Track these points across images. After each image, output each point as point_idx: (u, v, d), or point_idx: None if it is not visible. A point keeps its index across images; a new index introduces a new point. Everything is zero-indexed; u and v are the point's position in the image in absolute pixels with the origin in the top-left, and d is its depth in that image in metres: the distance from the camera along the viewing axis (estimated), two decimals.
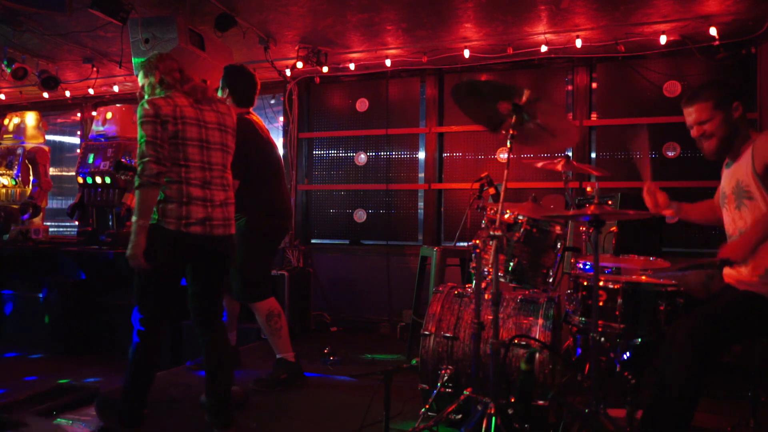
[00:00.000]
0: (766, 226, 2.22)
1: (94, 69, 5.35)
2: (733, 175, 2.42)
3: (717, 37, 4.22)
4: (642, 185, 2.73)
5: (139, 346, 2.62)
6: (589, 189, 3.02)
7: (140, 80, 2.75)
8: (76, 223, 5.29)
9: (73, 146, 6.99)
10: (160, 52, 2.83)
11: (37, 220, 5.87)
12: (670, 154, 4.74)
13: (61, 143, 7.04)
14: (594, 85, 4.99)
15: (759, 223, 2.25)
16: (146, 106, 2.54)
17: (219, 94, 3.44)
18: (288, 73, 5.32)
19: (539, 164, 3.17)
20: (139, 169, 2.52)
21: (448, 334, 2.76)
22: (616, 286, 2.41)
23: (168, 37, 3.90)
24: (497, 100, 2.50)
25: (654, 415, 2.17)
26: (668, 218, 2.79)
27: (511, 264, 2.79)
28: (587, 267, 2.80)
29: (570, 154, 4.94)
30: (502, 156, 5.19)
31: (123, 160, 3.26)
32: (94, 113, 6.14)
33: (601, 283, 2.42)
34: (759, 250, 2.25)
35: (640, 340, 2.45)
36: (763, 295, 2.25)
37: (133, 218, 2.55)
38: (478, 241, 2.63)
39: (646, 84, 4.82)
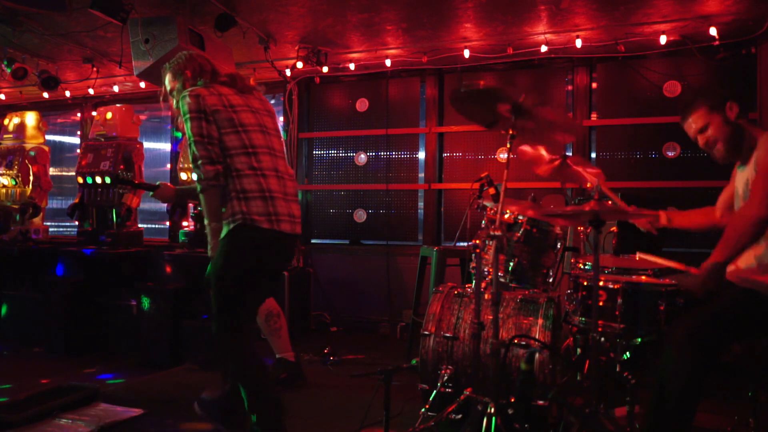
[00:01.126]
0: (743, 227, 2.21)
1: (94, 69, 5.35)
2: (744, 177, 2.40)
3: (717, 37, 4.22)
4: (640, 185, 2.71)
5: (240, 357, 2.37)
6: (588, 185, 2.99)
7: (167, 83, 2.59)
8: (76, 223, 5.29)
9: (73, 146, 6.99)
10: (189, 52, 2.67)
11: (37, 220, 5.87)
12: (670, 154, 4.74)
13: (61, 143, 7.04)
14: (594, 85, 4.99)
15: (737, 225, 2.23)
16: (187, 99, 2.33)
17: None
18: (288, 73, 5.32)
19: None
20: (196, 173, 2.32)
21: (448, 334, 2.76)
22: (616, 286, 2.41)
23: (168, 37, 3.90)
24: (497, 102, 2.50)
25: (655, 416, 2.16)
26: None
27: (511, 264, 2.79)
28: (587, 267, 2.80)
29: (570, 153, 4.93)
30: (502, 156, 5.18)
31: (120, 174, 3.16)
32: (94, 113, 6.14)
33: (601, 283, 2.42)
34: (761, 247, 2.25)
35: (639, 340, 2.45)
36: (762, 293, 2.24)
37: (205, 221, 2.39)
38: (478, 241, 2.62)
39: (646, 84, 4.82)
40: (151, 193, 2.95)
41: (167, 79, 2.59)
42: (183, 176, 4.86)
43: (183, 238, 4.77)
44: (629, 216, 2.75)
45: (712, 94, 2.40)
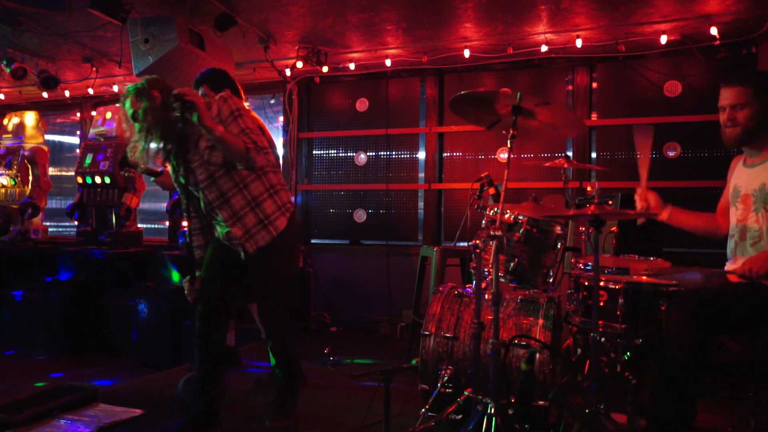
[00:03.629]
0: None
1: (94, 69, 5.35)
2: (758, 177, 2.37)
3: (717, 36, 4.22)
4: (636, 185, 2.70)
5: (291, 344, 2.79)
6: (589, 189, 3.00)
7: (128, 106, 2.50)
8: (76, 223, 5.29)
9: (72, 146, 6.99)
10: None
11: (36, 220, 5.87)
12: (671, 154, 4.74)
13: (60, 143, 7.04)
14: (594, 85, 4.98)
15: None
16: (232, 100, 2.53)
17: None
18: (288, 72, 5.31)
19: (546, 164, 3.16)
20: (249, 153, 2.47)
21: (448, 335, 2.76)
22: (617, 286, 2.40)
23: (167, 36, 3.90)
24: (496, 104, 2.50)
25: (657, 399, 2.13)
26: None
27: (512, 264, 2.78)
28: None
29: (570, 153, 4.94)
30: (502, 156, 5.18)
31: (130, 157, 3.24)
32: (93, 113, 6.13)
33: (601, 283, 2.41)
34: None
35: (640, 340, 2.45)
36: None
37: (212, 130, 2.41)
38: (478, 241, 2.62)
39: (647, 84, 4.81)
40: (152, 178, 3.00)
41: (128, 103, 2.51)
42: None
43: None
44: (631, 216, 2.75)
45: (765, 81, 2.34)
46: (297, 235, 2.82)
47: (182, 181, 2.64)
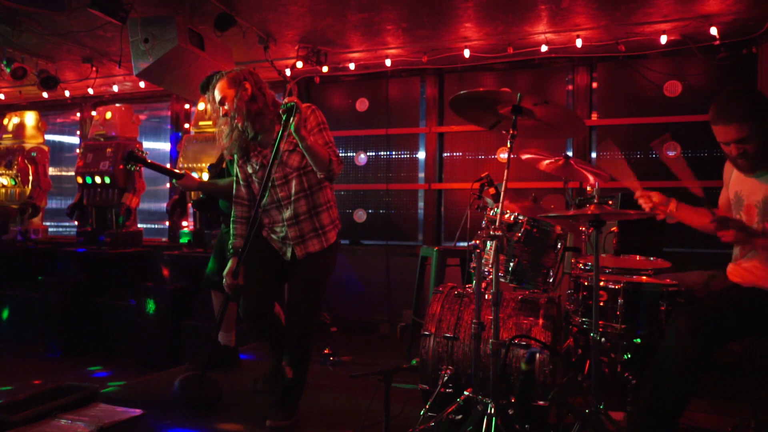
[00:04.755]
0: None
1: (94, 69, 5.34)
2: (760, 189, 2.36)
3: (718, 36, 4.22)
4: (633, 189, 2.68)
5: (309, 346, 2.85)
6: (589, 189, 3.00)
7: (217, 93, 2.72)
8: (76, 223, 5.29)
9: (72, 146, 6.99)
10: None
11: (36, 220, 5.87)
12: (671, 154, 4.73)
13: (60, 143, 7.04)
14: (594, 84, 4.98)
15: None
16: (319, 112, 2.73)
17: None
18: (288, 72, 5.31)
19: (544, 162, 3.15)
20: (333, 164, 2.66)
21: (448, 335, 2.75)
22: (617, 287, 2.40)
23: (167, 36, 3.90)
24: (497, 104, 2.50)
25: (651, 401, 2.14)
26: (667, 219, 2.76)
27: (512, 264, 2.78)
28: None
29: (570, 153, 4.92)
30: (502, 156, 5.18)
31: (137, 152, 3.27)
32: (93, 113, 6.14)
33: (601, 283, 2.41)
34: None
35: (640, 340, 2.45)
36: None
37: (305, 139, 2.54)
38: (478, 241, 2.61)
39: (647, 84, 4.81)
40: (174, 180, 3.09)
41: (220, 87, 2.72)
42: None
43: (187, 239, 4.73)
44: (632, 216, 2.74)
45: (757, 105, 2.28)
46: (339, 248, 2.98)
47: (250, 171, 2.83)
